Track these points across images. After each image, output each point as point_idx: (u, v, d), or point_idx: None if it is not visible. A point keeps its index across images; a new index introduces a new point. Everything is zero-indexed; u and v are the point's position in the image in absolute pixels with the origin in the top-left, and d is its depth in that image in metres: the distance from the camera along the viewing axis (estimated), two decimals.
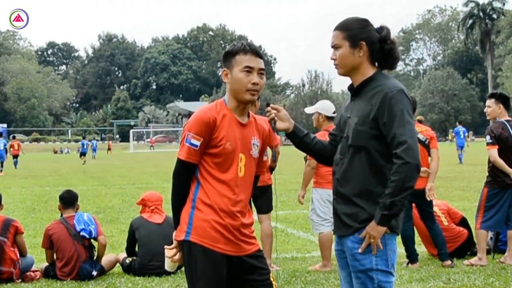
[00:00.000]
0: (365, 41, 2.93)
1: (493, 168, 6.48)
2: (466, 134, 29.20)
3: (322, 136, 5.92)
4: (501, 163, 6.37)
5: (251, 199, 6.05)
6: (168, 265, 3.17)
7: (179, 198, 3.01)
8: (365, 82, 2.96)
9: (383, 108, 2.83)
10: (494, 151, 6.42)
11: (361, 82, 2.98)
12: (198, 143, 2.94)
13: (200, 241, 2.93)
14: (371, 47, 2.95)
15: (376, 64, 3.02)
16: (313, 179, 6.46)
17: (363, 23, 2.97)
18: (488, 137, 6.49)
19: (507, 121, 6.50)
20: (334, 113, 6.45)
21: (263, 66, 3.03)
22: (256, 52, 3.01)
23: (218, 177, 2.97)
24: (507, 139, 6.41)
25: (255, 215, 6.14)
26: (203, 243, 2.92)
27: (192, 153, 2.94)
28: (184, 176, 2.99)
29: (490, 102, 6.60)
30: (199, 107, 3.14)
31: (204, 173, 2.98)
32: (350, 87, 3.05)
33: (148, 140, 75.24)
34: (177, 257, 3.05)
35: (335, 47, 2.99)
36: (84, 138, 40.46)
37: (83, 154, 35.16)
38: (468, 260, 6.60)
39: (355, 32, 2.93)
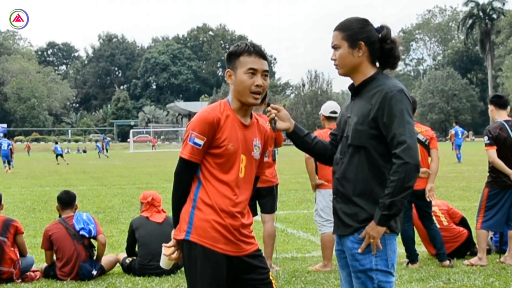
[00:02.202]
0: (364, 41, 2.93)
1: (493, 169, 6.47)
2: (464, 134, 29.21)
3: (324, 134, 5.95)
4: (499, 163, 6.37)
5: (256, 199, 6.09)
6: (163, 263, 3.16)
7: (180, 197, 3.01)
8: (366, 82, 2.96)
9: (383, 108, 2.83)
10: (492, 152, 6.42)
11: (362, 81, 2.98)
12: (201, 142, 2.93)
13: (200, 241, 2.93)
14: (371, 47, 2.95)
15: (377, 63, 3.02)
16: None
17: (363, 23, 2.97)
18: (486, 138, 6.50)
19: (506, 121, 6.49)
20: (331, 112, 6.46)
21: (267, 68, 3.03)
22: (261, 53, 3.00)
23: (219, 178, 2.96)
24: (505, 140, 6.40)
25: (257, 216, 6.16)
26: (203, 243, 2.92)
27: (195, 152, 2.94)
28: (186, 175, 2.99)
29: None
30: (202, 107, 3.13)
31: (205, 173, 2.97)
32: (351, 87, 3.05)
33: (129, 140, 73.59)
34: (174, 255, 3.05)
35: (334, 47, 3.00)
36: (56, 143, 41.70)
37: (59, 155, 36.77)
38: (468, 260, 6.60)
39: (354, 32, 2.93)
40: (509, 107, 6.68)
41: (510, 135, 6.40)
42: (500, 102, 6.57)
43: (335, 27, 3.00)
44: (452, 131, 27.82)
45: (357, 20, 2.98)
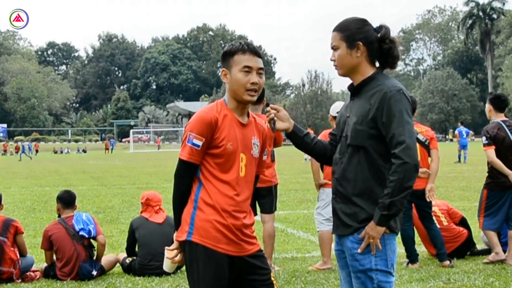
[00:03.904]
0: (363, 41, 2.93)
1: (492, 170, 6.46)
2: (470, 134, 29.14)
3: (324, 134, 5.94)
4: (498, 163, 6.36)
5: (256, 199, 6.09)
6: (167, 266, 3.15)
7: (181, 198, 3.01)
8: (365, 82, 2.96)
9: (382, 108, 2.83)
10: (490, 152, 6.41)
11: (361, 81, 2.98)
12: (200, 143, 2.93)
13: (202, 241, 2.92)
14: (369, 47, 2.94)
15: (377, 63, 3.02)
16: None
17: (361, 23, 2.97)
18: (484, 138, 6.48)
19: (503, 121, 6.48)
20: (338, 113, 6.46)
21: (262, 65, 3.02)
22: (255, 51, 3.00)
23: (220, 177, 2.96)
24: (503, 139, 6.39)
25: (257, 216, 6.16)
26: (205, 243, 2.92)
27: (194, 153, 2.94)
28: (186, 176, 2.98)
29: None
30: (200, 108, 3.13)
31: (205, 173, 2.97)
32: (350, 87, 3.05)
33: (125, 140, 72.89)
34: (177, 258, 3.04)
35: (333, 48, 3.00)
36: None
37: None
38: (487, 258, 6.53)
39: (352, 32, 2.93)
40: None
41: (508, 135, 6.39)
42: (500, 106, 6.55)
43: (333, 28, 3.00)
44: (457, 131, 27.76)
45: (355, 20, 2.98)
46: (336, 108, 6.57)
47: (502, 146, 6.38)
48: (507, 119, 6.54)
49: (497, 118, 6.53)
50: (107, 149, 60.81)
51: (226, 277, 2.95)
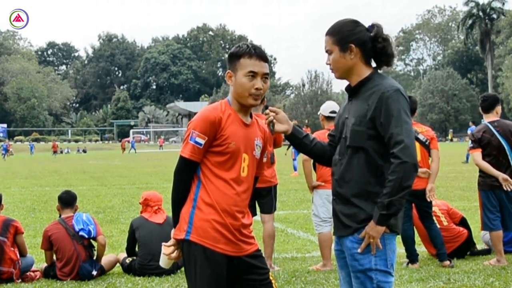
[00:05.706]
0: (355, 43, 2.92)
1: (481, 170, 6.49)
2: None
3: (321, 135, 5.97)
4: (484, 166, 6.37)
5: (255, 199, 6.10)
6: (163, 262, 3.17)
7: (180, 195, 3.01)
8: (362, 83, 2.96)
9: (380, 108, 2.83)
10: (476, 155, 6.43)
11: (358, 82, 2.98)
12: (202, 141, 2.94)
13: (200, 241, 2.93)
14: (363, 47, 2.94)
15: (373, 63, 3.01)
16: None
17: (352, 25, 2.96)
18: (470, 141, 6.54)
19: (490, 122, 6.49)
20: (331, 112, 6.46)
21: (267, 71, 3.02)
22: (262, 56, 2.99)
23: (221, 176, 2.96)
24: (489, 141, 6.39)
25: (257, 216, 6.16)
26: (203, 243, 2.92)
27: (196, 151, 2.95)
28: (186, 174, 2.99)
29: None
30: (203, 107, 3.14)
31: (206, 172, 2.98)
32: (347, 88, 3.05)
33: (127, 139, 71.74)
34: (174, 254, 3.06)
35: (327, 52, 3.00)
36: None
37: None
38: (488, 261, 6.54)
39: (344, 35, 2.92)
40: (499, 106, 6.64)
41: (495, 136, 6.39)
42: (483, 106, 6.56)
43: (326, 32, 3.00)
44: (469, 131, 27.77)
45: (346, 22, 2.97)
46: (327, 107, 6.55)
47: (489, 148, 6.39)
48: (496, 119, 6.53)
49: (487, 119, 6.55)
50: (123, 149, 58.77)
51: (224, 277, 2.96)
